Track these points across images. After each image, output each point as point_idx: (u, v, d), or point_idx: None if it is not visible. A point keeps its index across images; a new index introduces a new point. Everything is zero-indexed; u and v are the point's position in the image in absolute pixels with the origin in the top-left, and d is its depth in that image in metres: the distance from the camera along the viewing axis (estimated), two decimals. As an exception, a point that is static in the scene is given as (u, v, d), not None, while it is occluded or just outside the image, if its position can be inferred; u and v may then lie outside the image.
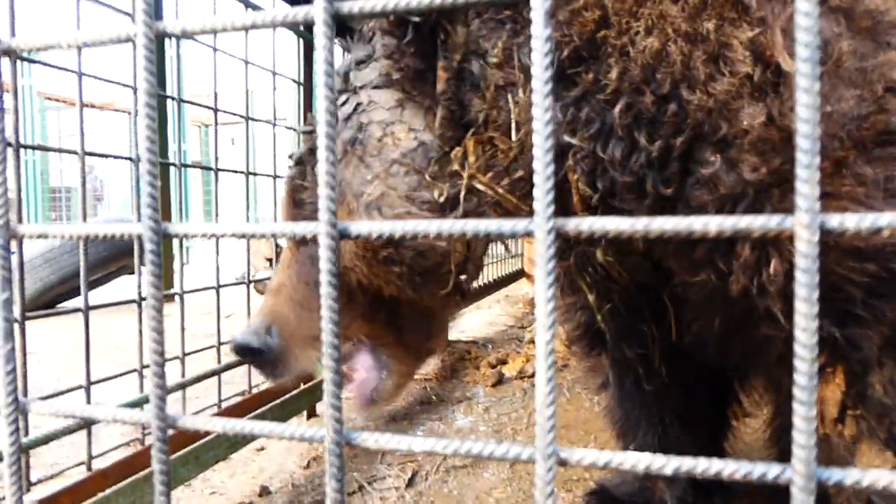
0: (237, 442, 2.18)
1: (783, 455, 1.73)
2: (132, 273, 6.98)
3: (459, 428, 2.77)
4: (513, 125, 1.27)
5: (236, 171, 2.43)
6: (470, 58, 1.26)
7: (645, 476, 1.94)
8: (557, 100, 1.26)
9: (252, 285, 2.63)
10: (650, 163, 1.25)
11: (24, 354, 1.53)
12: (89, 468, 1.71)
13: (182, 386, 2.00)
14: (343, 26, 1.40)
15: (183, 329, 2.11)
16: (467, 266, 1.40)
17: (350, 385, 1.53)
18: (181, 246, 2.16)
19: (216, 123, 2.26)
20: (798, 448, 0.49)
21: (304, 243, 1.47)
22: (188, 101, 2.36)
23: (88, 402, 1.70)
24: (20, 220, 1.54)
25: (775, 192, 1.24)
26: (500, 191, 1.28)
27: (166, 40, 3.00)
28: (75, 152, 1.67)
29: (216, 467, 2.25)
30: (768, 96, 1.20)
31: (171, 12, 2.26)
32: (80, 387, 1.73)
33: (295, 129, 2.78)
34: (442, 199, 1.28)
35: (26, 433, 1.48)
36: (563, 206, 1.36)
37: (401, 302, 1.43)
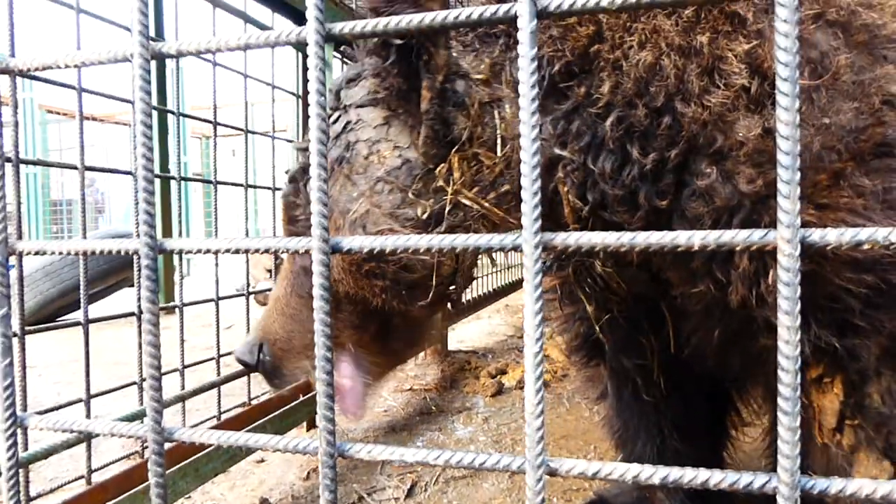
0: (236, 454, 2.18)
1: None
2: (132, 286, 6.99)
3: (459, 438, 2.77)
4: (498, 140, 1.29)
5: (235, 184, 2.44)
6: (452, 78, 1.28)
7: (643, 486, 1.94)
8: (548, 113, 1.27)
9: (252, 297, 2.64)
10: (643, 175, 1.25)
11: (24, 368, 1.54)
12: (89, 482, 1.71)
13: (181, 398, 2.01)
14: (345, 42, 1.41)
15: (182, 341, 2.12)
16: (456, 278, 1.41)
17: (337, 395, 1.54)
18: (181, 258, 2.16)
19: (215, 136, 2.28)
20: (783, 458, 0.50)
21: (302, 258, 1.51)
22: (188, 115, 2.38)
23: (88, 415, 1.71)
24: (20, 234, 1.55)
25: (772, 203, 1.24)
26: (487, 205, 1.30)
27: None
28: (75, 167, 1.68)
29: (216, 479, 2.25)
30: (765, 108, 1.21)
31: (171, 22, 2.28)
32: (79, 400, 1.73)
33: (294, 142, 2.79)
34: (425, 216, 1.30)
35: (25, 447, 1.48)
36: (554, 217, 1.37)
37: (389, 312, 1.44)
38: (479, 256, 1.62)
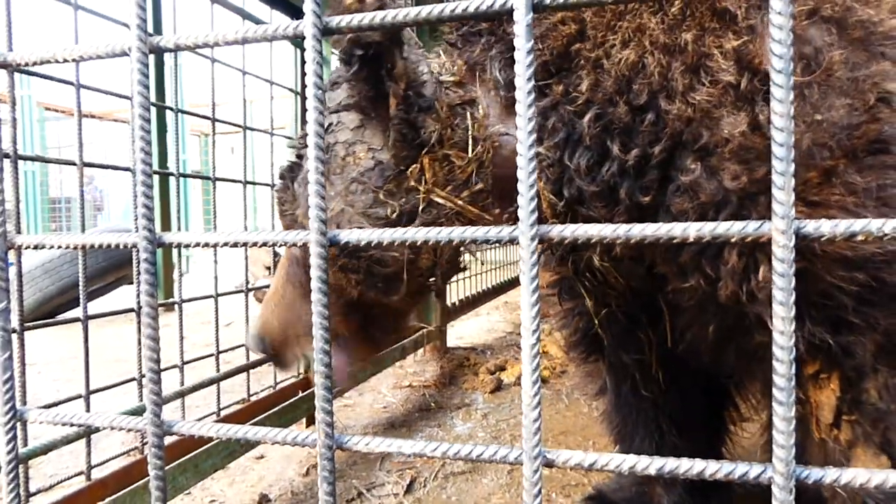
0: (236, 450, 2.18)
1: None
2: (131, 283, 6.98)
3: (458, 434, 2.77)
4: (470, 141, 1.33)
5: (234, 181, 2.45)
6: (415, 84, 1.31)
7: (642, 480, 1.94)
8: None
9: (252, 294, 2.62)
10: (624, 171, 1.26)
11: (23, 365, 1.54)
12: (88, 478, 1.71)
13: (181, 394, 2.01)
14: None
15: (182, 338, 2.12)
16: (435, 271, 1.45)
17: None
18: (179, 255, 2.17)
19: (213, 133, 2.28)
20: (778, 448, 0.51)
21: (293, 246, 1.54)
22: (186, 112, 2.38)
23: (87, 410, 1.71)
24: (19, 231, 1.56)
25: (762, 199, 1.24)
26: (461, 202, 1.34)
27: (164, 51, 3.00)
28: (74, 163, 1.68)
29: (215, 475, 2.25)
30: (756, 104, 1.21)
31: (168, 17, 2.28)
32: (78, 396, 1.74)
33: (292, 139, 2.79)
34: (394, 216, 1.34)
35: (25, 443, 1.49)
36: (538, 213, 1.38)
37: (369, 302, 1.48)
38: (461, 251, 1.66)
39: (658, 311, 1.67)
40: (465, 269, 1.65)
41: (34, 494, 1.63)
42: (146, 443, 2.04)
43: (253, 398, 2.47)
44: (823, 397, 1.50)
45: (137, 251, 0.67)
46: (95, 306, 6.31)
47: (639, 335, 1.79)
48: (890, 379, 1.49)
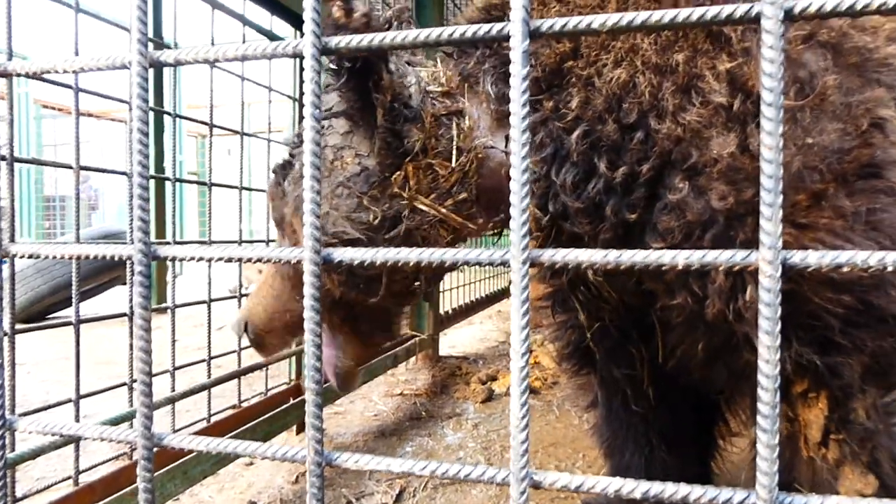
0: (225, 457, 2.17)
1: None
2: (125, 284, 6.96)
3: (448, 444, 2.77)
4: (454, 151, 1.36)
5: (230, 186, 2.45)
6: (400, 96, 1.35)
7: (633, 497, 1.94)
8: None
9: (245, 298, 2.59)
10: (610, 188, 1.28)
11: (13, 367, 1.53)
12: (76, 482, 1.71)
13: (171, 400, 2.01)
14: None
15: (174, 342, 2.12)
16: (418, 275, 1.48)
17: None
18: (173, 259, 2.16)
19: (211, 138, 2.28)
20: (761, 475, 0.51)
21: (284, 238, 1.58)
22: (184, 117, 2.38)
23: (77, 415, 1.70)
24: (13, 230, 1.55)
25: (749, 221, 1.25)
26: (444, 210, 1.38)
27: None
28: (70, 166, 1.68)
29: (204, 482, 2.24)
30: (747, 126, 1.22)
31: (169, 16, 2.28)
32: (69, 400, 1.73)
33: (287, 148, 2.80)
34: (376, 222, 1.37)
35: (13, 448, 1.48)
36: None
37: (351, 301, 1.51)
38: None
39: (650, 326, 1.68)
40: (456, 268, 1.68)
41: (21, 499, 1.62)
42: (136, 448, 2.03)
43: (244, 404, 2.46)
44: (812, 416, 1.51)
45: (132, 264, 0.68)
46: (89, 306, 6.29)
47: (630, 350, 1.80)
48: (878, 399, 1.50)
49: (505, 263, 0.55)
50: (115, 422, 1.78)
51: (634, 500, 1.96)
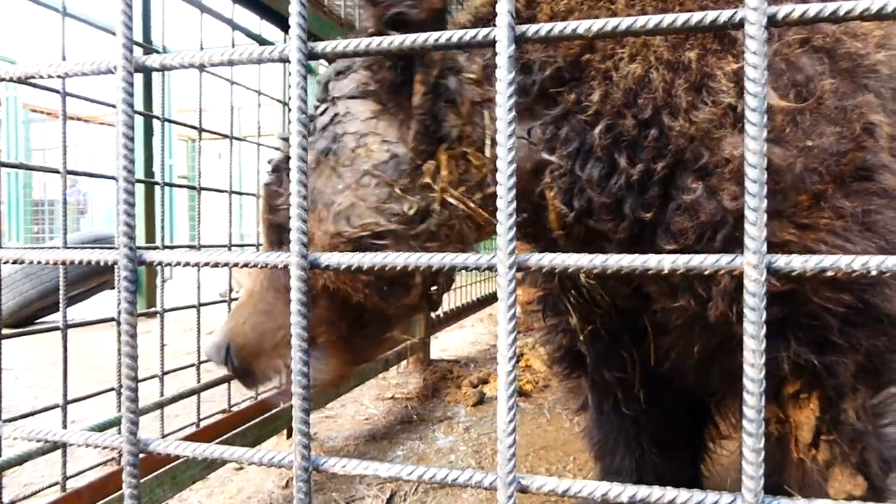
0: (214, 462, 2.16)
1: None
2: (114, 288, 6.91)
3: (439, 448, 2.77)
4: (487, 141, 1.29)
5: (219, 191, 2.44)
6: (446, 74, 1.28)
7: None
8: (537, 117, 1.29)
9: (234, 303, 2.54)
10: (630, 185, 1.27)
11: (0, 372, 1.52)
12: (63, 488, 1.69)
13: (160, 405, 2.00)
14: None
15: (162, 347, 2.11)
16: (437, 277, 1.40)
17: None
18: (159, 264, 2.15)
19: (200, 140, 2.27)
20: (747, 478, 0.51)
21: (279, 246, 1.46)
22: (172, 121, 2.37)
23: (65, 420, 1.69)
24: (0, 235, 1.54)
25: None
26: (472, 205, 1.30)
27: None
28: (57, 171, 1.67)
29: (194, 487, 2.23)
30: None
31: (158, 27, 2.27)
32: (56, 406, 1.72)
33: (280, 149, 2.79)
34: (411, 212, 1.28)
35: None
36: (539, 223, 1.37)
37: (366, 309, 1.42)
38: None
39: (642, 330, 1.68)
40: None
41: (7, 505, 1.60)
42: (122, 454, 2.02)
43: (234, 409, 2.45)
44: (803, 417, 1.52)
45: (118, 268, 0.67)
46: (78, 311, 6.24)
47: (622, 353, 1.80)
48: (868, 400, 1.52)
49: (492, 268, 0.55)
50: (103, 427, 1.76)
51: None
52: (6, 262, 0.72)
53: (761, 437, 0.51)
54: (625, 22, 0.55)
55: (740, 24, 0.52)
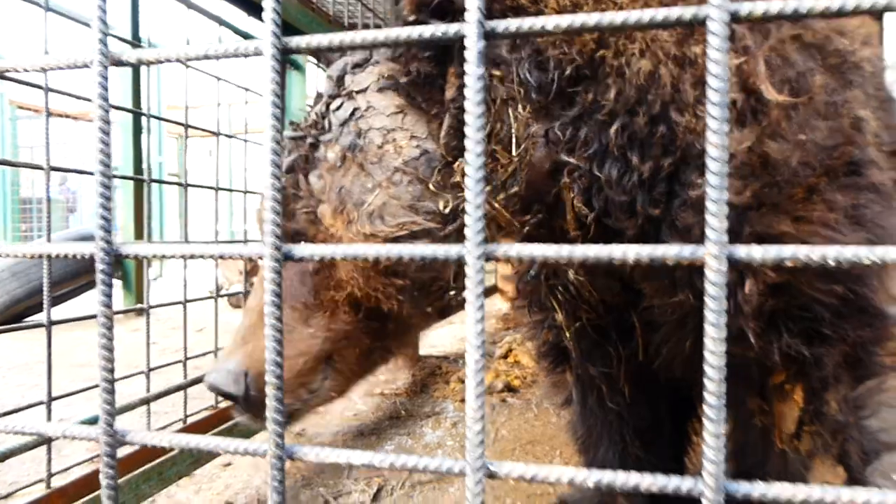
0: (201, 458, 2.17)
1: (740, 471, 1.77)
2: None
3: (427, 443, 2.78)
4: (513, 140, 1.26)
5: (205, 187, 2.44)
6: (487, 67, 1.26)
7: (605, 491, 1.97)
8: (555, 118, 1.27)
9: (227, 299, 2.54)
10: (641, 183, 1.27)
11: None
12: (48, 485, 1.69)
13: (146, 401, 2.00)
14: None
15: (148, 343, 2.11)
16: (458, 279, 1.36)
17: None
18: (136, 257, 2.15)
19: (186, 136, 2.27)
20: (708, 462, 0.53)
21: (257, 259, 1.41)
22: (157, 117, 2.37)
23: (49, 417, 1.69)
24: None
25: (752, 214, 1.28)
26: (497, 205, 1.27)
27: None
28: (41, 167, 1.67)
29: (181, 483, 2.23)
30: (756, 123, 1.24)
31: (147, 22, 2.27)
32: (40, 403, 1.72)
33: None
34: (447, 210, 1.25)
35: (-16, 449, 1.47)
36: (554, 224, 1.36)
37: (390, 319, 1.36)
38: None
39: (629, 326, 1.70)
40: None
41: (-8, 502, 1.60)
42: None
43: (221, 405, 2.45)
44: (787, 408, 1.55)
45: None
46: (66, 309, 6.21)
47: (607, 349, 1.82)
48: (850, 392, 1.55)
49: (461, 258, 0.56)
50: (88, 423, 1.76)
51: (608, 494, 1.99)
52: (-16, 256, 0.72)
53: (722, 423, 0.52)
54: (592, 18, 0.56)
55: (703, 22, 0.54)
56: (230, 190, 3.01)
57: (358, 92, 1.31)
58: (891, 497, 0.50)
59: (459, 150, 1.25)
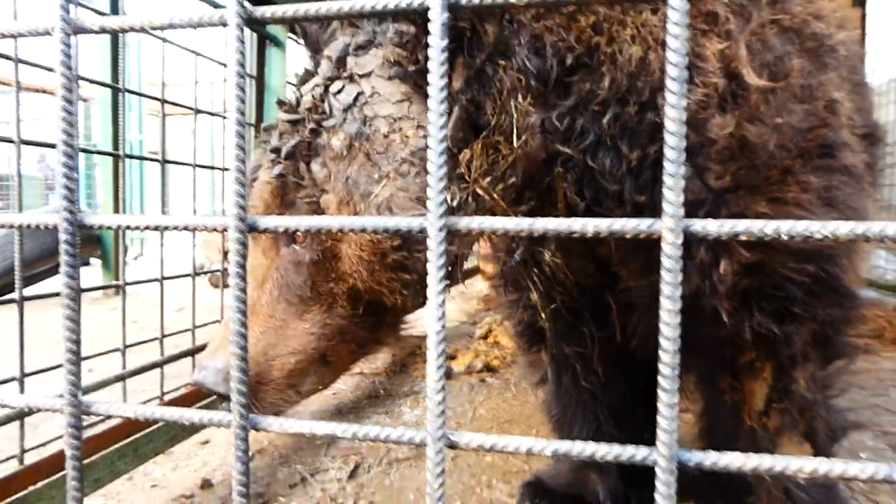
0: (178, 434, 2.17)
1: (712, 448, 1.80)
2: (86, 264, 6.82)
3: (405, 422, 2.80)
4: (515, 131, 1.23)
5: (183, 164, 2.42)
6: (494, 58, 1.20)
7: (580, 467, 2.00)
8: (552, 108, 1.25)
9: (208, 278, 2.51)
10: (630, 171, 1.27)
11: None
12: (21, 462, 1.69)
13: (121, 378, 1.99)
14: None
15: (124, 321, 2.09)
16: (457, 265, 1.34)
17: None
18: (123, 237, 2.14)
19: (163, 114, 2.25)
20: (661, 432, 0.54)
21: (287, 245, 1.29)
22: (131, 91, 2.34)
23: (22, 394, 1.68)
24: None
25: (730, 196, 1.30)
26: (496, 197, 1.25)
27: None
28: (11, 140, 1.64)
29: (158, 460, 2.23)
30: (737, 108, 1.25)
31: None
32: (12, 379, 1.70)
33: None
34: (455, 203, 1.22)
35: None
36: (546, 212, 1.35)
37: (389, 311, 1.34)
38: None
39: (604, 306, 1.72)
40: None
41: (-36, 478, 1.60)
42: (87, 425, 2.01)
43: (199, 383, 2.45)
44: (757, 385, 1.58)
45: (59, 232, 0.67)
46: (44, 287, 6.14)
47: (582, 329, 1.84)
48: (818, 370, 1.59)
49: (423, 231, 0.57)
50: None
51: (582, 471, 2.02)
52: (-55, 226, 0.71)
53: (675, 393, 0.54)
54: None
55: (665, -3, 0.54)
56: (211, 168, 2.99)
57: (361, 76, 1.26)
58: (835, 465, 0.51)
59: (465, 142, 1.22)
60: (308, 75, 1.37)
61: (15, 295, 1.67)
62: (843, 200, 1.37)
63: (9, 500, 1.56)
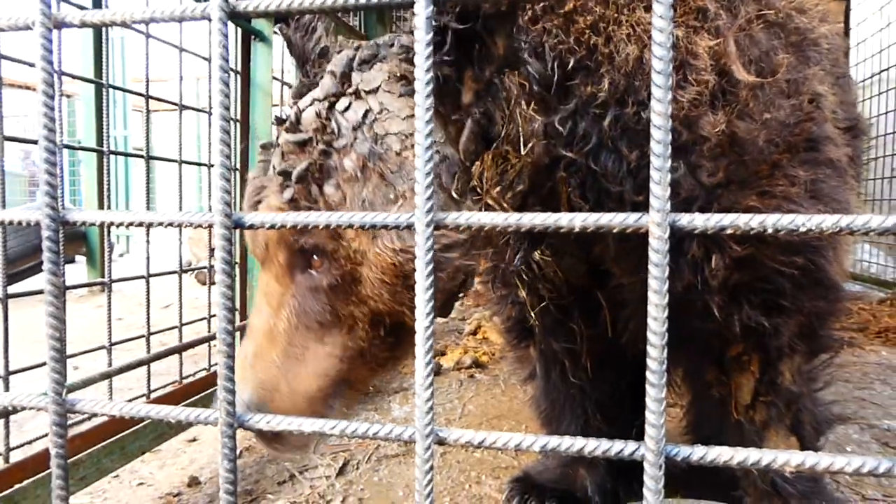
0: (165, 432, 2.15)
1: (699, 442, 1.81)
2: (72, 262, 6.75)
3: (395, 418, 2.80)
4: (521, 139, 1.22)
5: (168, 160, 2.40)
6: (504, 70, 1.19)
7: (568, 462, 2.00)
8: (553, 112, 1.23)
9: (196, 275, 2.48)
10: (629, 171, 1.27)
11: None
12: (7, 460, 1.67)
13: (107, 375, 1.97)
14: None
15: (110, 318, 2.08)
16: (469, 279, 1.31)
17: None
18: (108, 234, 2.12)
19: (147, 107, 2.23)
20: (650, 427, 0.54)
21: (303, 271, 1.24)
22: (115, 87, 2.31)
23: (7, 390, 1.66)
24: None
25: (721, 191, 1.30)
26: (505, 205, 1.23)
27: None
28: (-7, 136, 1.63)
29: (145, 458, 2.22)
30: (728, 105, 1.25)
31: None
32: (-3, 376, 1.69)
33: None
34: None
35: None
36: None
37: (410, 330, 1.28)
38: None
39: (593, 303, 1.72)
40: None
41: (-52, 478, 1.58)
42: (73, 423, 2.00)
43: (185, 381, 2.44)
44: (743, 379, 1.60)
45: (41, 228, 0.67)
46: (29, 285, 6.08)
47: (570, 325, 1.84)
48: (804, 364, 1.60)
49: (410, 226, 0.56)
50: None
51: (570, 465, 2.03)
52: (-75, 223, 0.70)
53: (664, 388, 0.54)
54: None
55: (652, -10, 0.54)
56: (197, 164, 2.97)
57: (368, 92, 1.22)
58: (822, 459, 0.52)
59: (477, 154, 1.20)
60: (304, 88, 1.32)
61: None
62: (828, 193, 1.39)
63: (-6, 499, 1.55)
